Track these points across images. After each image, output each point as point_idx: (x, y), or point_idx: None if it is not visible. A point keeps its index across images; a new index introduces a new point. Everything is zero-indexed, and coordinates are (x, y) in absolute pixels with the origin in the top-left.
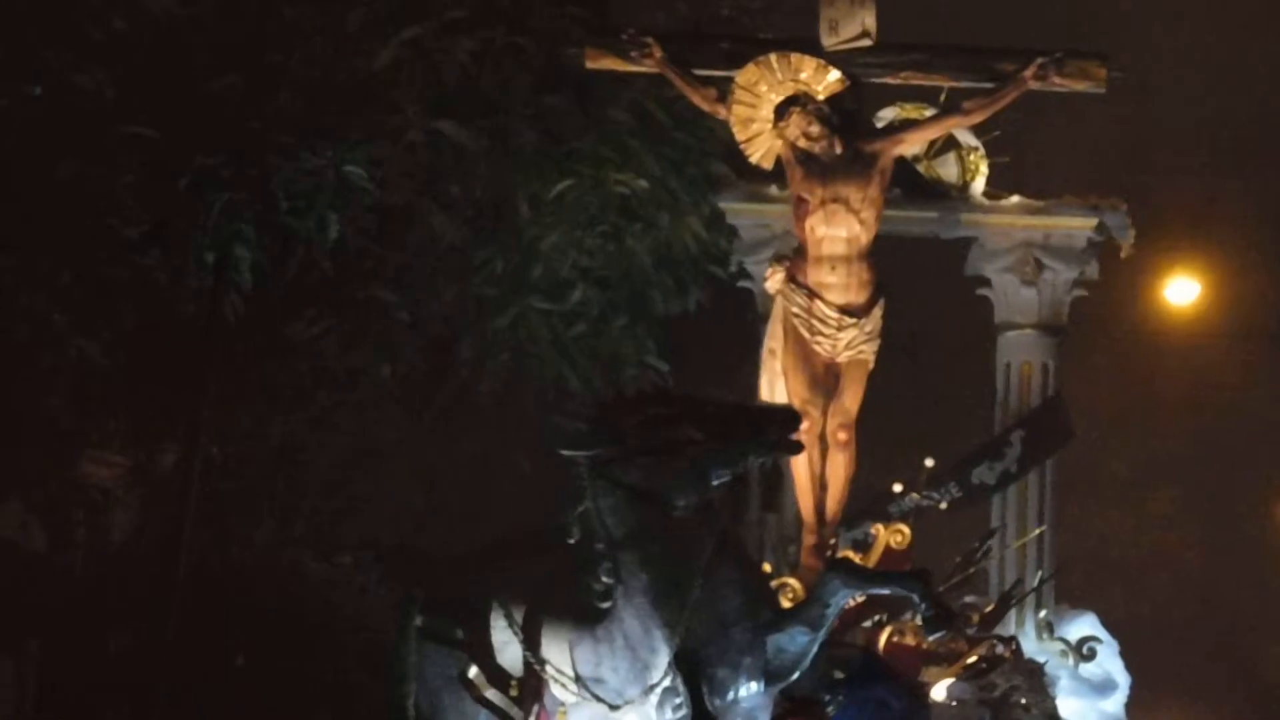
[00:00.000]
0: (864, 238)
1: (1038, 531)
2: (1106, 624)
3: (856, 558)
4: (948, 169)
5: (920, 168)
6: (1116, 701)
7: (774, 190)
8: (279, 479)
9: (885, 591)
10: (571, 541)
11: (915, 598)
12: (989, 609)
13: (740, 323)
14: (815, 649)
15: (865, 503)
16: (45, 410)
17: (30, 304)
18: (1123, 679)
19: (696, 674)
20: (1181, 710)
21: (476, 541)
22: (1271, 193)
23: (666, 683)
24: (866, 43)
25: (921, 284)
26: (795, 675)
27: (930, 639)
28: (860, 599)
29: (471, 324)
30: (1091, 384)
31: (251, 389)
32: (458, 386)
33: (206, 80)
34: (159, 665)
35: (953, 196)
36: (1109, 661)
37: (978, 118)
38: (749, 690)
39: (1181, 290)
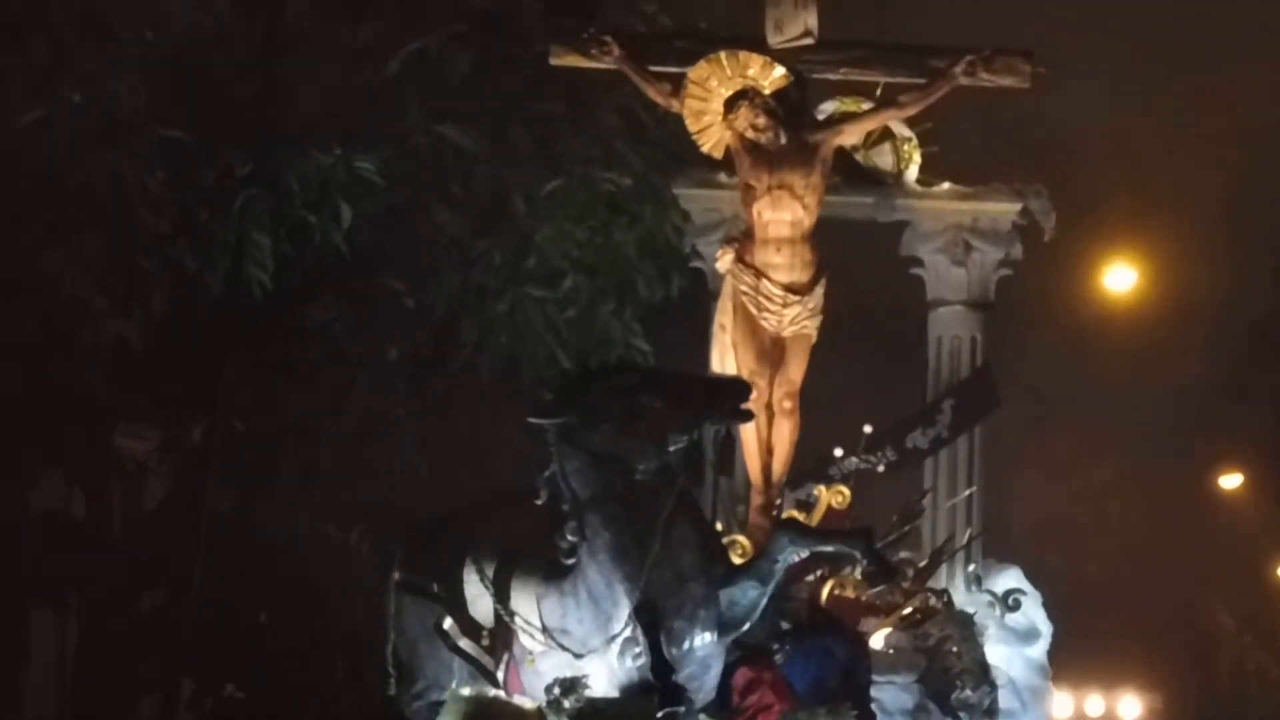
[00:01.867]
0: (807, 221)
1: (968, 493)
2: (1047, 584)
3: (801, 517)
4: (883, 158)
5: (858, 157)
6: (1040, 649)
7: (723, 177)
8: (295, 451)
9: (829, 549)
10: (539, 502)
11: (857, 554)
12: (923, 564)
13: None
14: (765, 602)
15: (808, 466)
16: (84, 388)
17: (73, 290)
18: (1045, 628)
19: (655, 625)
20: (1122, 659)
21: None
22: (1205, 178)
23: (627, 633)
24: (809, 41)
25: (859, 264)
26: (746, 626)
27: (870, 592)
28: (804, 555)
29: (472, 310)
30: (1033, 360)
31: (271, 368)
32: (459, 367)
33: (227, 87)
34: (186, 621)
35: (888, 183)
36: (1033, 611)
37: (911, 110)
38: (704, 640)
39: (1120, 275)
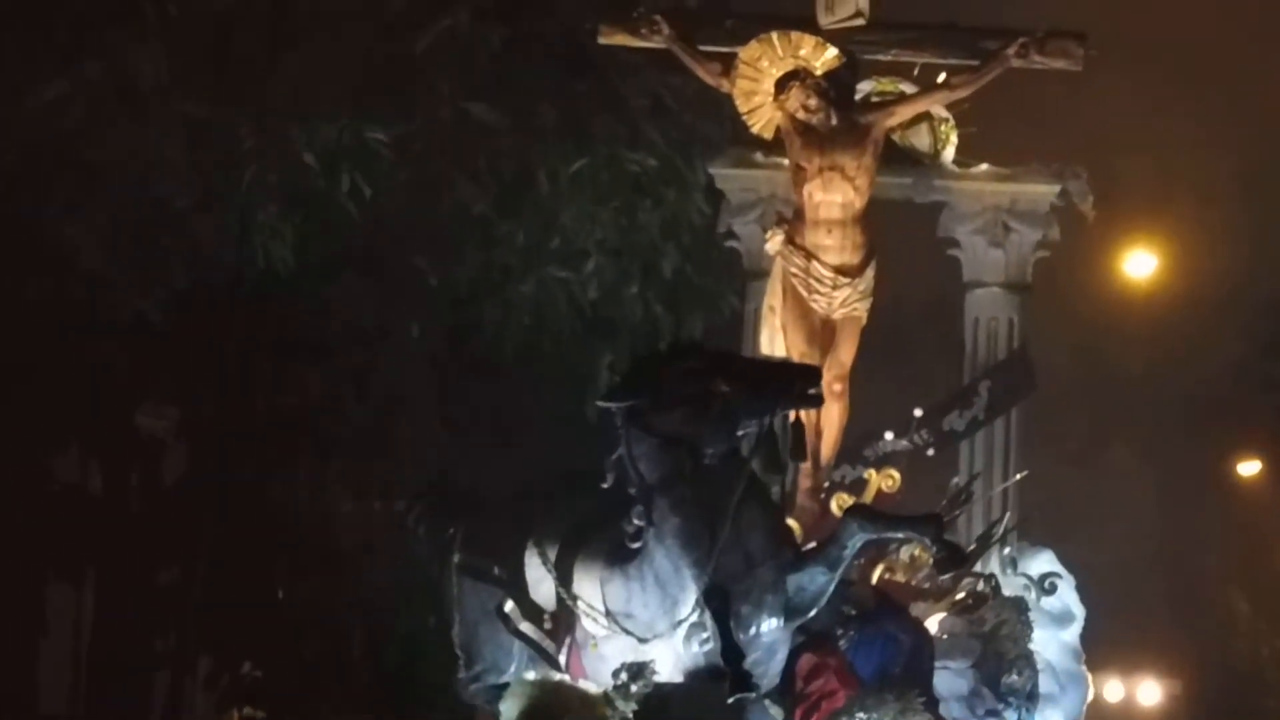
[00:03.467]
0: (858, 203)
1: (1018, 477)
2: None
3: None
4: (920, 138)
5: (895, 137)
6: (1073, 632)
7: (760, 156)
8: (317, 430)
9: (899, 535)
10: (605, 486)
11: (928, 540)
12: (970, 548)
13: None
14: (832, 588)
15: (843, 448)
16: (104, 365)
17: (90, 266)
18: (1079, 611)
19: (724, 610)
20: (1140, 645)
21: (497, 484)
22: (1228, 169)
23: (694, 618)
24: (860, 22)
25: (897, 245)
26: (813, 612)
27: (919, 576)
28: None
29: (495, 289)
30: (1054, 346)
31: (292, 346)
32: (482, 346)
33: (248, 60)
34: (201, 597)
35: (925, 164)
36: (1067, 595)
37: (964, 93)
38: (770, 626)
39: (1140, 261)
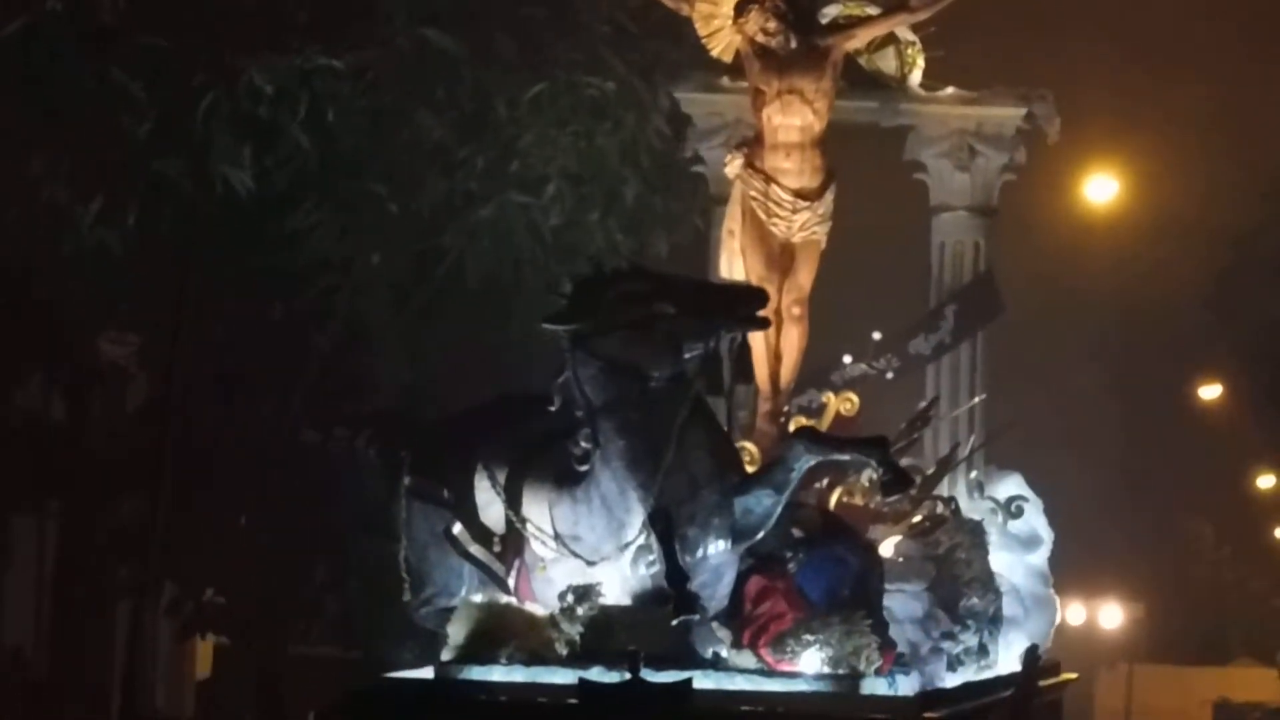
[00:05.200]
0: (817, 126)
1: (975, 401)
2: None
3: (809, 424)
4: (887, 62)
5: (862, 61)
6: (1041, 555)
7: (726, 81)
8: (280, 357)
9: (845, 457)
10: (552, 409)
11: (873, 462)
12: (929, 471)
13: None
14: (779, 510)
15: (807, 373)
16: (66, 294)
17: (53, 196)
18: (1046, 534)
19: (669, 533)
20: (1102, 568)
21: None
22: (1188, 94)
23: (640, 540)
24: None
25: (863, 169)
26: (760, 535)
27: (878, 500)
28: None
29: (456, 216)
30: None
31: (254, 274)
32: (443, 273)
33: None
34: (164, 524)
35: (891, 88)
36: (1034, 518)
37: (922, 15)
38: (717, 548)
39: (1101, 186)
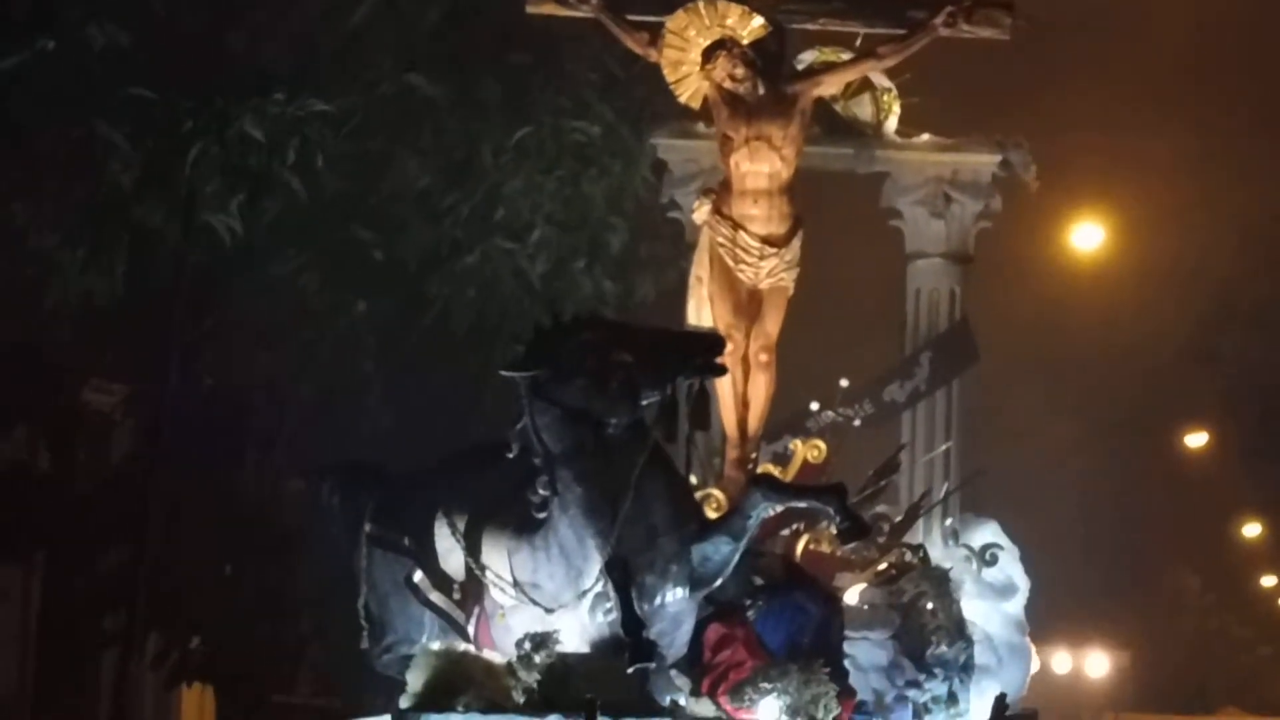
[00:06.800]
0: (785, 173)
1: (944, 447)
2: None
3: (776, 471)
4: (863, 108)
5: (838, 107)
6: (1017, 604)
7: (701, 127)
8: (264, 407)
9: (802, 504)
10: (511, 456)
11: (831, 510)
12: (899, 519)
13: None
14: (737, 558)
15: (783, 419)
16: (52, 343)
17: (39, 245)
18: (1023, 583)
19: (626, 581)
20: (1088, 617)
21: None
22: (1175, 143)
23: (598, 588)
24: None
25: (839, 217)
26: (719, 582)
27: (846, 548)
28: (778, 511)
29: (442, 263)
30: (998, 318)
31: (237, 324)
32: (429, 321)
33: (192, 36)
34: (148, 575)
35: (867, 134)
36: (1010, 566)
37: (891, 61)
38: (675, 596)
39: (1086, 234)
